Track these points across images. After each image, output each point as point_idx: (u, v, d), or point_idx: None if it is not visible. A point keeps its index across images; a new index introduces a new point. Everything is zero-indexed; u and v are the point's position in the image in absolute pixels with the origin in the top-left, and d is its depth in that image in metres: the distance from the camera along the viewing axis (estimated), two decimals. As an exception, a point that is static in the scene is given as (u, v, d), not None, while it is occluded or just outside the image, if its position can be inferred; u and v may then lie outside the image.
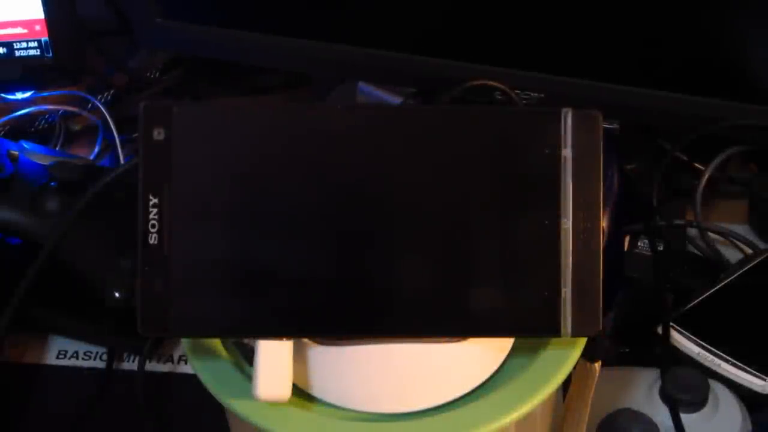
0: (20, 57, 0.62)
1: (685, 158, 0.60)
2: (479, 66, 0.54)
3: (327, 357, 0.32)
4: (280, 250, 0.30)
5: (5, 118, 0.69)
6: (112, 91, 0.73)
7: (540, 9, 0.52)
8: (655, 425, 0.41)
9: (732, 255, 0.56)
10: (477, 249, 0.30)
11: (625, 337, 0.48)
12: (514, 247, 0.30)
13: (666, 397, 0.43)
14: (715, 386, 0.43)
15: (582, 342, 0.33)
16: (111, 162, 0.68)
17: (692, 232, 0.58)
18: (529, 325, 0.30)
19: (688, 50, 0.51)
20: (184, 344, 0.34)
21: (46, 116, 0.72)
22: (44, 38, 0.61)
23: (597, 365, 0.37)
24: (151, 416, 0.49)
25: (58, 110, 0.71)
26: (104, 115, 0.68)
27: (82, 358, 0.53)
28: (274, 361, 0.30)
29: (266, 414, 0.31)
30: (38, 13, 0.60)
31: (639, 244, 0.55)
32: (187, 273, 0.29)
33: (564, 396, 0.38)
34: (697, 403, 0.42)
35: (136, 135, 0.65)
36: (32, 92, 0.69)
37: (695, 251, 0.57)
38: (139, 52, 0.76)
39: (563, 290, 0.30)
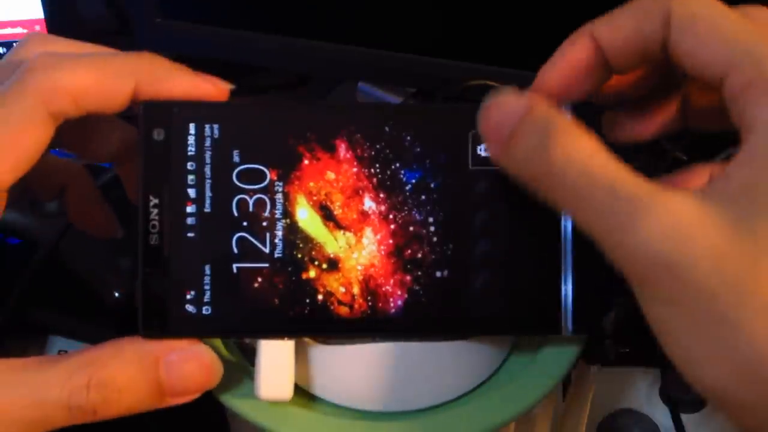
0: (20, 57, 0.61)
1: (685, 158, 0.60)
2: (479, 66, 0.54)
3: (328, 356, 0.32)
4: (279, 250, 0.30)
5: (5, 118, 0.69)
6: (112, 91, 0.73)
7: (540, 8, 0.52)
8: (655, 425, 0.41)
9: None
10: (477, 248, 0.30)
11: (625, 337, 0.48)
12: (514, 247, 0.30)
13: (666, 397, 0.43)
14: (715, 386, 0.43)
15: (582, 341, 0.33)
16: (111, 162, 0.68)
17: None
18: (529, 323, 0.30)
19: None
20: (184, 344, 0.34)
21: (46, 116, 0.71)
22: (44, 38, 0.61)
23: (596, 366, 0.37)
24: (151, 416, 0.49)
25: (58, 110, 0.71)
26: (104, 115, 0.68)
27: (82, 358, 0.52)
28: (275, 361, 0.30)
29: (268, 414, 0.31)
30: (38, 13, 0.60)
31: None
32: (187, 273, 0.29)
33: (564, 396, 0.38)
34: (697, 403, 0.42)
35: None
36: (32, 92, 0.69)
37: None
38: (138, 52, 0.76)
39: (563, 289, 0.30)
